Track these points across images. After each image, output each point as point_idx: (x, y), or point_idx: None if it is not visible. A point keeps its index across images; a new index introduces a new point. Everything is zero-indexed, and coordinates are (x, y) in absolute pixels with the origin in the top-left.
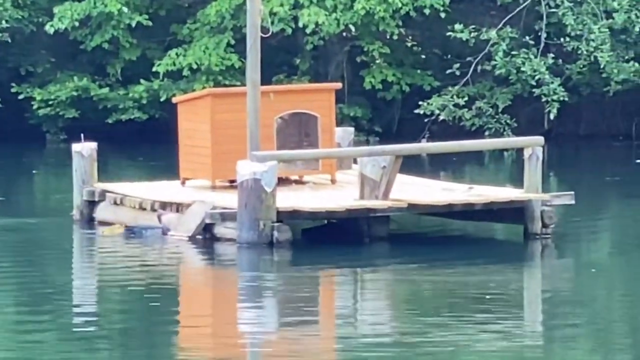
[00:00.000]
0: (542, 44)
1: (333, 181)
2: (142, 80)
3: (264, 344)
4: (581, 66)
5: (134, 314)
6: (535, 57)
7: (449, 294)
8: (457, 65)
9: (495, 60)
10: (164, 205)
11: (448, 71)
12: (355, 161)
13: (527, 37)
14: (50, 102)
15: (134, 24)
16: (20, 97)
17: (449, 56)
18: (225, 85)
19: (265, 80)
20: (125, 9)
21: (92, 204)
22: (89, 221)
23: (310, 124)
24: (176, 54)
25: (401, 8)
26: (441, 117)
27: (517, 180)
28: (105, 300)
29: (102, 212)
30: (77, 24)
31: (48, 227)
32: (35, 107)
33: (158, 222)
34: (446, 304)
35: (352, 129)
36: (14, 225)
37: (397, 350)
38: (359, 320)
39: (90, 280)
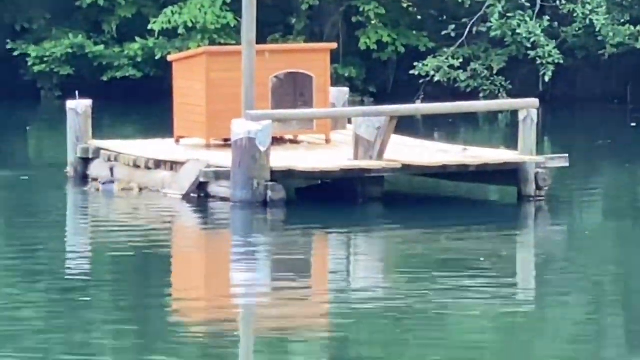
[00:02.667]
0: (538, 7)
1: (327, 141)
2: (137, 38)
3: (257, 304)
4: (577, 29)
5: (126, 274)
6: (531, 19)
7: (442, 256)
8: (453, 26)
9: (491, 22)
10: (158, 163)
11: (443, 32)
12: (349, 121)
13: (523, 0)
14: (46, 59)
15: None
16: (15, 53)
17: (445, 17)
18: (220, 44)
19: (261, 39)
20: None
21: (86, 161)
22: (83, 178)
23: (305, 83)
24: (172, 11)
25: None
26: (436, 79)
27: (511, 142)
28: (97, 259)
29: (96, 169)
30: None
31: (41, 184)
32: (30, 63)
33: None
34: (439, 265)
35: (347, 89)
36: (6, 180)
37: (389, 311)
38: (352, 281)
39: (82, 239)
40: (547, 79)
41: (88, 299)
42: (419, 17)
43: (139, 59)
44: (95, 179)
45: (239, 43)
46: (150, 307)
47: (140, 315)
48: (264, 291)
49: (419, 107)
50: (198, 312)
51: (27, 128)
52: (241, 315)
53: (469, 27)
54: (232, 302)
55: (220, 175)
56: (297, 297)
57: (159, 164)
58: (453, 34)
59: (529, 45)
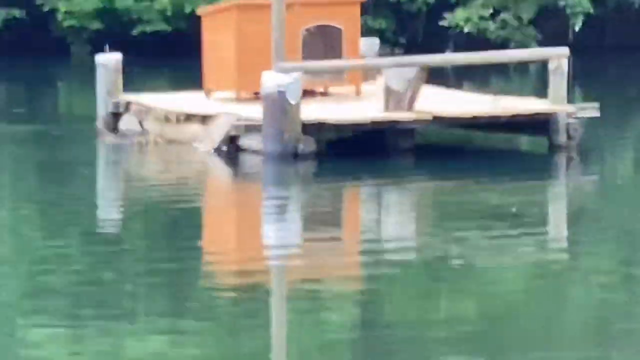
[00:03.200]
0: None
1: (358, 93)
2: None
3: (287, 257)
4: None
5: (158, 228)
6: None
7: (474, 208)
8: None
9: None
10: (189, 117)
11: None
12: (380, 73)
13: None
14: (75, 14)
15: None
16: (45, 9)
17: None
18: None
19: None
20: None
21: (116, 115)
22: (114, 132)
23: (335, 36)
24: None
25: None
26: (466, 30)
27: (542, 92)
28: (130, 214)
29: (126, 123)
30: None
31: (73, 138)
32: (60, 19)
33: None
34: (470, 217)
35: (377, 40)
36: (39, 135)
37: (421, 263)
38: (383, 234)
39: (114, 192)
40: (577, 28)
41: (119, 251)
42: None
43: (169, 13)
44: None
45: None
46: (182, 261)
47: (172, 270)
48: (295, 244)
49: (450, 58)
50: (229, 265)
51: (59, 83)
52: (273, 269)
53: None
54: (263, 256)
55: (251, 128)
56: (328, 251)
57: (189, 117)
58: None
59: None
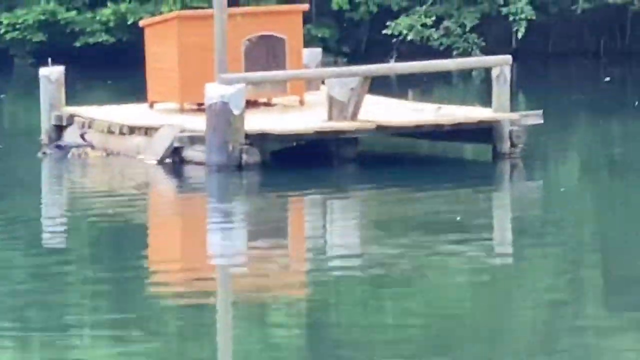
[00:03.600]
0: None
1: (301, 103)
2: (109, 3)
3: (233, 267)
4: None
5: (103, 241)
6: None
7: (418, 216)
8: None
9: None
10: (133, 129)
11: None
12: (323, 82)
13: None
14: (18, 26)
15: None
16: None
17: None
18: (192, 8)
19: (233, 2)
20: None
21: (60, 128)
22: (58, 145)
23: (277, 46)
24: None
25: None
26: (409, 37)
27: (485, 99)
28: (74, 227)
29: (70, 136)
30: None
31: (16, 151)
32: (2, 31)
33: (82, 140)
34: (415, 225)
35: (319, 50)
36: None
37: (366, 272)
38: (328, 243)
39: (58, 206)
40: (520, 35)
41: (63, 262)
42: None
43: (111, 24)
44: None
45: (211, 6)
46: (127, 275)
47: (117, 283)
48: (240, 257)
49: (393, 67)
50: (175, 278)
51: (1, 96)
52: (218, 282)
53: None
54: (209, 269)
55: (194, 139)
56: (274, 262)
57: (133, 129)
58: None
59: (501, 2)
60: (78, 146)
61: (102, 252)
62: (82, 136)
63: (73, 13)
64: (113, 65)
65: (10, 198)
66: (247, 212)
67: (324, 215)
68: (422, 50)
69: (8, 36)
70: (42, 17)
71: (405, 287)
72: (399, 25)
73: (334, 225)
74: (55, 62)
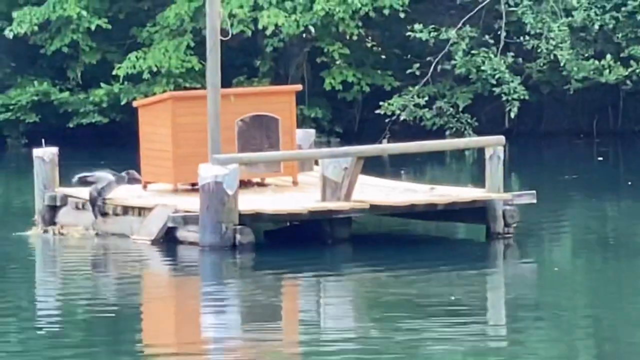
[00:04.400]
0: (502, 43)
1: (295, 183)
2: (102, 84)
3: (227, 349)
4: (541, 64)
5: (97, 324)
6: (495, 55)
7: (412, 297)
8: (417, 65)
9: (455, 59)
10: (126, 209)
11: (408, 71)
12: (316, 163)
13: (487, 36)
14: (11, 107)
15: (93, 27)
16: None
17: (409, 56)
18: (185, 88)
19: (226, 82)
20: (84, 13)
21: (53, 209)
22: (51, 225)
23: (271, 126)
24: (136, 57)
25: (360, 9)
26: (402, 117)
27: (478, 179)
28: (68, 309)
29: (64, 217)
30: (36, 28)
31: (9, 232)
32: None
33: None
34: (409, 307)
35: (313, 131)
36: None
37: (360, 356)
38: (322, 326)
39: (52, 289)
40: (512, 115)
41: (59, 345)
42: (383, 57)
43: (105, 105)
44: (64, 227)
45: (204, 87)
46: (122, 353)
47: None
48: (234, 339)
49: (385, 147)
50: (168, 355)
51: None
52: None
53: (433, 65)
54: (203, 352)
55: (188, 219)
56: (268, 345)
57: (126, 210)
58: (418, 73)
59: (494, 82)
60: (77, 226)
61: (95, 335)
62: (77, 217)
63: (66, 94)
64: (107, 146)
65: (2, 280)
66: (240, 293)
67: (317, 296)
68: (415, 129)
69: (1, 117)
70: (35, 98)
71: None
72: (392, 105)
73: (328, 307)
74: (49, 142)
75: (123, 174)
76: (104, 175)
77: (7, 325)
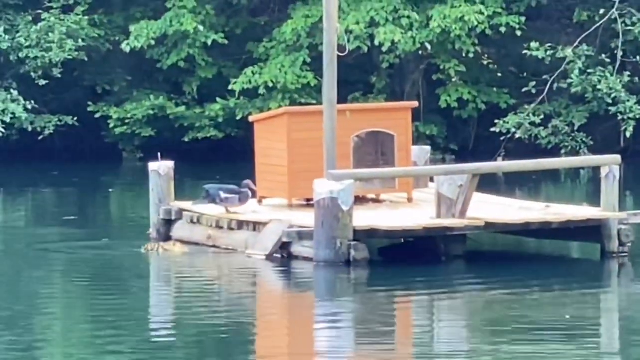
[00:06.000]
0: (619, 62)
1: (410, 200)
2: (218, 99)
3: None
4: None
5: (210, 339)
6: (612, 75)
7: (526, 316)
8: (533, 83)
9: (571, 78)
10: (241, 224)
11: (524, 89)
12: (432, 180)
13: (603, 55)
14: (127, 121)
15: (209, 42)
16: (97, 115)
17: (525, 74)
18: (301, 104)
19: (341, 98)
20: (201, 28)
21: (169, 223)
22: (166, 240)
23: (386, 142)
24: (252, 72)
25: (477, 26)
26: (517, 135)
27: (593, 198)
28: (183, 325)
29: (179, 230)
30: (153, 42)
31: (125, 246)
32: (111, 125)
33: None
34: (523, 326)
35: (428, 148)
36: (91, 245)
37: None
38: (436, 343)
39: (166, 304)
40: (628, 134)
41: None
42: (499, 74)
43: (220, 120)
44: (179, 241)
45: (319, 103)
46: None
47: None
48: (348, 354)
49: (501, 165)
50: None
51: (110, 190)
52: None
53: (549, 83)
54: None
55: (303, 235)
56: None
57: (241, 224)
58: (534, 91)
59: (609, 101)
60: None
61: (208, 351)
62: (247, 187)
63: (182, 108)
64: (221, 161)
65: (117, 294)
66: (354, 310)
67: (431, 315)
68: (530, 148)
69: (117, 131)
70: (151, 112)
71: None
72: (507, 123)
73: (441, 326)
74: (164, 156)
75: (244, 183)
76: (236, 190)
77: (119, 338)
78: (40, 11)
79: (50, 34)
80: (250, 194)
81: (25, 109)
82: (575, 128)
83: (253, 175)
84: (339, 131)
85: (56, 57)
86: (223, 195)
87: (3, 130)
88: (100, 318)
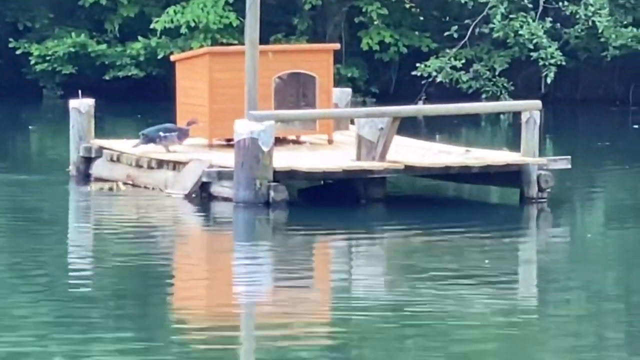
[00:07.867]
0: (541, 8)
1: (330, 141)
2: (139, 37)
3: (258, 305)
4: (579, 30)
5: (128, 279)
6: (533, 20)
7: (444, 259)
8: (455, 27)
9: (493, 23)
10: (161, 163)
11: (446, 33)
12: (352, 122)
13: (526, 1)
14: (48, 58)
15: None
16: (18, 52)
17: (447, 18)
18: (223, 44)
19: (263, 39)
20: None
21: (88, 161)
22: (85, 177)
23: (308, 84)
24: (174, 11)
25: None
26: (438, 79)
27: (513, 143)
28: (100, 262)
29: (98, 168)
30: None
31: (44, 184)
32: (32, 62)
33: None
34: (441, 268)
35: (349, 90)
36: (9, 181)
37: (389, 314)
38: (353, 287)
39: (84, 242)
40: (549, 80)
41: (89, 306)
42: (422, 18)
43: (141, 58)
44: (98, 179)
45: (241, 43)
46: (152, 315)
47: (142, 325)
48: (265, 292)
49: (421, 108)
50: (199, 320)
51: (30, 127)
52: (243, 323)
53: (471, 28)
54: (231, 311)
55: (222, 175)
56: (298, 304)
57: (161, 163)
58: (455, 35)
59: (531, 47)
60: (111, 179)
61: (126, 291)
62: (188, 123)
63: (103, 46)
64: (142, 99)
65: (35, 231)
66: (272, 251)
67: (349, 257)
68: (451, 92)
69: (38, 68)
70: (72, 50)
71: (427, 335)
72: (429, 67)
73: (359, 266)
74: (85, 94)
75: (188, 121)
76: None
77: (37, 277)
78: None
79: None
80: (189, 131)
81: None
82: (497, 73)
83: (174, 114)
84: (260, 72)
85: None
86: (162, 134)
87: None
88: (16, 260)
